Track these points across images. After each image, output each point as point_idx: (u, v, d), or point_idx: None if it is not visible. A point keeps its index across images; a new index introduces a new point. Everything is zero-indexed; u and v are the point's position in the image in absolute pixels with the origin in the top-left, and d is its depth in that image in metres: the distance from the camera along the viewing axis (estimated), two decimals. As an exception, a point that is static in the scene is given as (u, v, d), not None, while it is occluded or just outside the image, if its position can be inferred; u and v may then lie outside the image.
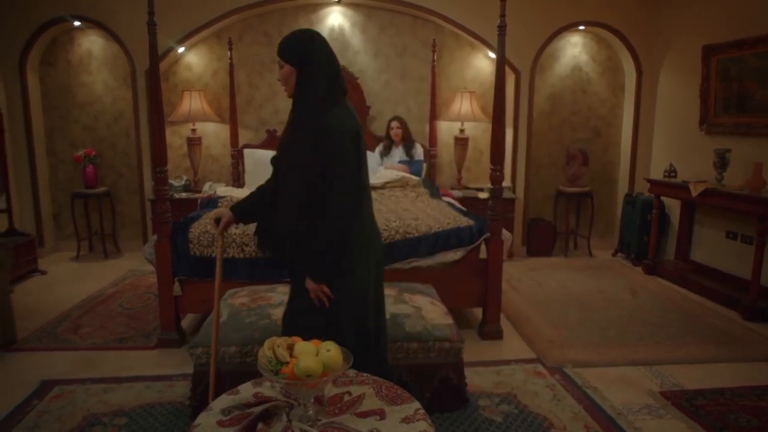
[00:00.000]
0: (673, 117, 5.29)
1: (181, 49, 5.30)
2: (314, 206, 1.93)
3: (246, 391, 1.91)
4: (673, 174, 4.84)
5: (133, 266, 5.05)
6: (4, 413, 2.56)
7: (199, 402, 2.44)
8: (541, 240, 5.63)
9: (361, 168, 1.98)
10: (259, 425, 1.67)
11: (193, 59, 5.48)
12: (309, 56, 1.92)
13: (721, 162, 4.28)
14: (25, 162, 5.20)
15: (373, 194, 4.40)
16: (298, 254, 2.03)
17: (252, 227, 3.30)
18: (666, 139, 5.41)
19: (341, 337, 1.88)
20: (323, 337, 1.75)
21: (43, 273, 4.85)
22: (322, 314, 2.03)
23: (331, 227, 1.93)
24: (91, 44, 5.34)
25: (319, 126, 1.90)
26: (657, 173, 5.28)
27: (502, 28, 3.23)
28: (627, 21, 5.44)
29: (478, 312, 3.73)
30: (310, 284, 2.00)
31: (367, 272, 2.08)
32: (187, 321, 3.72)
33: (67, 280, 4.68)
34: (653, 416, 2.59)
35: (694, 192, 4.34)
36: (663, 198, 5.07)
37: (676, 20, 5.18)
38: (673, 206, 5.21)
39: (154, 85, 3.20)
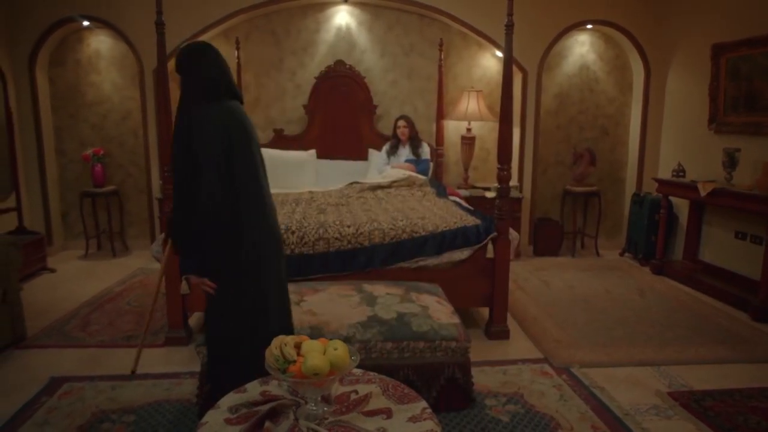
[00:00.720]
0: (681, 116, 5.26)
1: (188, 49, 5.32)
2: (191, 201, 2.02)
3: (253, 389, 1.91)
4: (681, 173, 4.81)
5: (141, 264, 5.08)
6: (14, 409, 2.59)
7: (206, 400, 2.44)
8: (548, 239, 5.61)
9: (234, 160, 2.02)
10: (267, 423, 1.68)
11: (200, 58, 5.49)
12: (187, 65, 2.11)
13: (731, 161, 4.24)
14: (35, 161, 5.23)
15: (380, 193, 4.46)
16: (182, 249, 2.12)
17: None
18: (674, 139, 5.38)
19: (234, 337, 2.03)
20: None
21: (52, 271, 4.89)
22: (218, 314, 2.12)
23: (201, 219, 2.00)
24: (100, 44, 5.38)
25: (189, 121, 2.03)
26: (665, 173, 5.25)
27: (509, 27, 3.22)
28: (635, 19, 5.41)
29: (485, 312, 3.72)
30: (193, 278, 2.09)
31: (257, 271, 2.09)
32: (194, 319, 3.74)
33: (75, 278, 4.72)
34: (661, 417, 2.57)
35: (703, 192, 4.31)
36: (671, 198, 5.04)
37: (685, 18, 5.14)
38: (681, 206, 5.18)
39: (161, 85, 3.23)
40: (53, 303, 4.08)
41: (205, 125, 2.02)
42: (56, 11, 5.03)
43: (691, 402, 2.69)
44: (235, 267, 2.07)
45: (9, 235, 4.25)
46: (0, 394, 2.74)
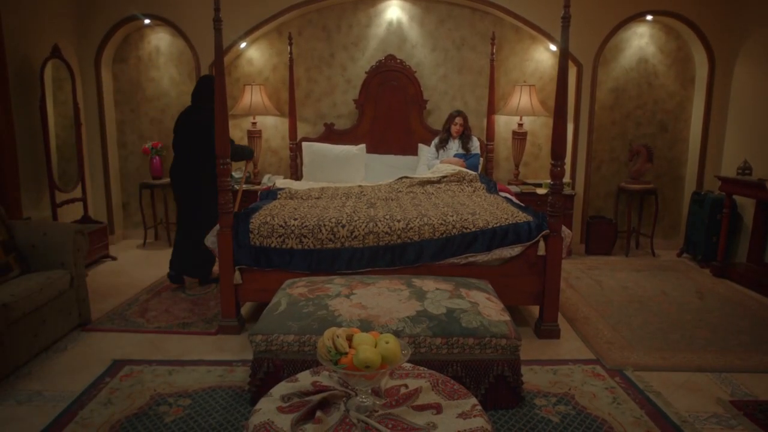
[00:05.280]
0: (748, 110, 4.99)
1: (243, 45, 5.45)
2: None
3: (304, 379, 1.95)
4: (747, 171, 4.56)
5: (196, 254, 5.24)
6: (81, 387, 2.74)
7: (258, 388, 2.51)
8: (601, 238, 5.45)
9: (175, 142, 4.19)
10: (318, 413, 1.71)
11: (254, 54, 5.62)
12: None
13: (803, 159, 4.00)
14: (99, 154, 5.50)
15: (430, 188, 4.46)
16: None
17: (309, 220, 3.39)
18: (740, 134, 5.11)
19: None
20: None
21: (114, 259, 5.12)
22: None
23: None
24: (159, 41, 5.58)
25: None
26: (729, 170, 5.00)
27: (566, 20, 3.13)
28: (699, 9, 5.16)
29: (535, 310, 3.66)
30: None
31: None
32: (246, 309, 3.84)
33: (135, 266, 4.92)
34: (723, 426, 2.46)
35: (771, 191, 4.08)
36: (735, 197, 4.80)
37: (755, 6, 4.86)
38: (746, 206, 4.92)
39: (219, 80, 3.30)
40: (115, 289, 4.27)
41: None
42: (120, 10, 5.25)
43: (756, 412, 2.55)
44: None
45: (76, 224, 4.48)
46: (69, 372, 2.91)
